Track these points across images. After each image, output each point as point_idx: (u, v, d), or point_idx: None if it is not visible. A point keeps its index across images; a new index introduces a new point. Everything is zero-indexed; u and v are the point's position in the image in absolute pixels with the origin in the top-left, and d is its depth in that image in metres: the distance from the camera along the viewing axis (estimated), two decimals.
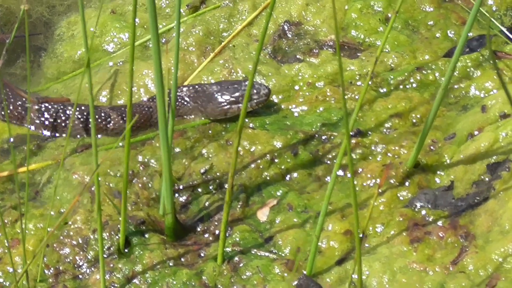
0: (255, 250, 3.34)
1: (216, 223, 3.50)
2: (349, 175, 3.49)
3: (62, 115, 3.71)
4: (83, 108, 3.72)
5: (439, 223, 3.65)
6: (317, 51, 3.75)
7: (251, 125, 3.62)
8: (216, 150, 3.70)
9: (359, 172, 3.81)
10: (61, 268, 3.47)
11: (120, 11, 3.76)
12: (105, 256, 3.45)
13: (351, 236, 3.59)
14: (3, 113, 3.75)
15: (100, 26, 3.77)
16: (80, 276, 3.46)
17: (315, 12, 3.82)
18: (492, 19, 3.87)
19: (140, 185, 3.47)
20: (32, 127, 3.66)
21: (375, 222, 3.66)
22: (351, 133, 3.61)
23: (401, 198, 3.73)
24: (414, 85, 3.77)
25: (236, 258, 3.39)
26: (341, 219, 3.66)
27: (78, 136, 3.65)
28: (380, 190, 3.61)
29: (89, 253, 3.40)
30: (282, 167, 3.75)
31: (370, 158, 3.75)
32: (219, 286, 3.52)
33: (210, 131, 3.59)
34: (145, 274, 3.45)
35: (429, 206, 3.74)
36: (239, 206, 3.40)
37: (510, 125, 3.57)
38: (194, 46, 3.72)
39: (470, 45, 3.73)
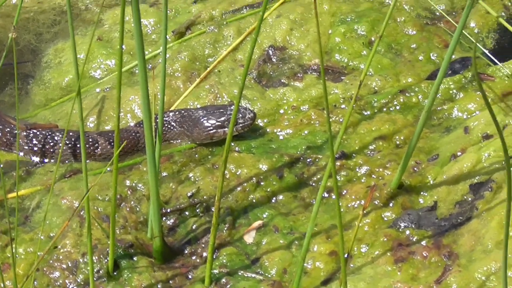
0: (242, 272, 3.36)
1: (203, 246, 3.53)
2: (334, 196, 3.56)
3: (50, 141, 3.73)
4: (71, 134, 3.68)
5: (423, 243, 3.70)
6: (301, 75, 3.78)
7: (237, 148, 3.67)
8: (202, 174, 3.74)
9: (343, 193, 3.82)
10: None
11: (107, 38, 3.78)
12: (94, 279, 3.38)
13: (336, 257, 3.61)
14: None
15: (87, 53, 3.77)
16: None
17: (299, 37, 3.86)
18: (476, 42, 3.94)
19: (128, 209, 3.50)
20: (21, 153, 3.68)
21: (360, 243, 3.71)
22: (335, 156, 3.64)
23: (385, 218, 3.77)
24: (398, 107, 3.81)
25: (223, 280, 3.41)
26: (326, 240, 3.71)
27: (67, 161, 3.66)
28: (364, 211, 3.59)
29: (78, 277, 3.42)
30: (268, 189, 3.77)
31: (355, 180, 3.77)
32: None
33: (196, 155, 3.62)
34: None
35: (413, 226, 3.80)
36: (225, 229, 3.44)
37: (493, 145, 3.64)
38: (180, 72, 3.74)
39: (453, 67, 3.80)
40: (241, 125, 3.59)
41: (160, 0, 3.90)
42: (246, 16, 3.77)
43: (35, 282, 3.61)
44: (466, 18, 3.59)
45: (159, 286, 3.49)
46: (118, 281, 3.49)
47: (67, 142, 3.71)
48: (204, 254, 3.48)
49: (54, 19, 3.75)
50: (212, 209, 3.58)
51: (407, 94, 3.75)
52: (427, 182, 3.65)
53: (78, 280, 3.50)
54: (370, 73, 3.80)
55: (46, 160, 3.64)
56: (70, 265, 3.57)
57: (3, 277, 3.58)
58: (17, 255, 3.74)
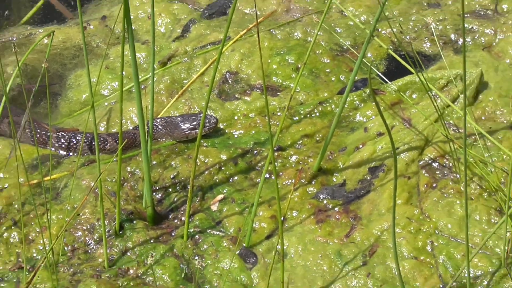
0: (209, 231, 3.59)
1: (182, 213, 3.72)
2: (273, 177, 3.51)
3: (73, 140, 3.83)
4: (87, 135, 3.80)
5: (336, 209, 3.81)
6: (249, 92, 3.93)
7: (205, 144, 3.80)
8: (181, 162, 3.89)
9: (280, 175, 3.86)
10: (76, 245, 3.61)
11: (112, 67, 3.89)
12: (106, 236, 3.58)
13: (275, 219, 3.70)
14: (32, 139, 3.79)
15: (98, 78, 3.84)
16: (89, 251, 3.58)
17: (247, 65, 3.98)
18: (372, 67, 4.01)
19: (129, 187, 3.68)
20: (53, 149, 3.80)
21: (291, 210, 3.74)
22: (274, 148, 3.76)
23: (309, 192, 3.81)
24: (317, 114, 3.91)
25: (196, 236, 3.64)
26: (268, 208, 3.79)
27: (85, 154, 3.79)
28: (295, 187, 3.77)
29: (94, 235, 3.62)
30: (227, 173, 3.90)
31: (287, 165, 3.89)
32: (185, 255, 3.67)
33: (176, 149, 3.79)
34: (134, 249, 3.61)
35: (329, 197, 3.82)
36: (197, 201, 3.64)
37: (384, 140, 3.86)
38: (164, 90, 3.87)
39: (356, 85, 3.94)
40: (207, 127, 3.76)
41: (149, 39, 4.00)
42: (210, 50, 3.91)
43: (64, 239, 3.68)
44: (365, 50, 3.66)
45: (151, 241, 3.64)
46: (123, 238, 3.65)
47: (85, 140, 3.93)
48: (183, 218, 3.67)
49: (75, 53, 3.88)
50: (188, 187, 3.74)
51: (324, 104, 3.85)
52: (338, 166, 3.84)
53: (95, 238, 3.63)
54: (298, 90, 3.92)
55: (70, 154, 3.82)
56: (88, 227, 3.65)
57: (42, 236, 3.62)
58: (51, 221, 3.67)
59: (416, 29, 4.08)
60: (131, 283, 3.56)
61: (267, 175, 3.67)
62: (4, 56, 4.19)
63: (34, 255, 3.63)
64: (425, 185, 3.64)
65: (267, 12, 3.95)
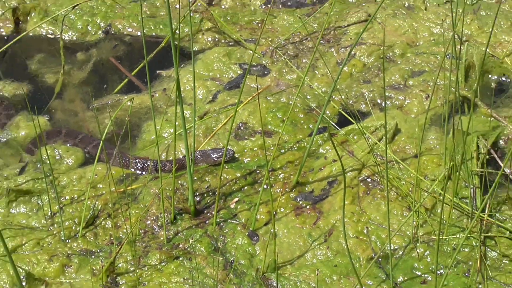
0: (229, 220, 3.79)
1: (212, 209, 3.84)
2: (268, 187, 3.84)
3: (145, 164, 3.91)
4: (154, 161, 3.89)
5: (308, 207, 3.89)
6: (254, 135, 4.12)
7: (226, 167, 3.88)
8: (211, 178, 3.96)
9: (273, 186, 3.89)
10: (146, 230, 3.78)
11: (169, 120, 4.09)
12: (165, 224, 3.76)
13: (270, 214, 3.78)
14: (120, 163, 3.95)
15: (160, 126, 4.05)
16: (154, 233, 3.78)
17: (253, 118, 4.18)
18: (329, 119, 4.14)
19: (179, 193, 3.83)
20: (132, 170, 3.96)
21: (280, 207, 3.84)
22: (269, 169, 3.87)
23: (291, 197, 3.92)
24: (296, 148, 4.08)
25: (221, 224, 3.77)
26: (265, 206, 3.84)
27: (152, 173, 3.89)
28: (282, 194, 3.91)
29: (158, 223, 3.78)
30: (240, 184, 3.95)
31: (277, 180, 3.97)
32: (214, 235, 3.78)
33: (209, 170, 3.90)
34: (182, 231, 3.77)
35: (303, 199, 3.93)
36: (222, 202, 3.81)
37: (337, 165, 3.92)
38: (201, 134, 4.07)
39: (319, 131, 4.05)
40: (228, 156, 3.87)
41: (192, 102, 4.09)
42: (229, 110, 4.07)
43: (139, 226, 3.75)
44: (325, 109, 3.78)
45: (193, 227, 3.76)
46: (175, 225, 3.75)
47: (152, 164, 3.93)
48: (213, 213, 3.80)
49: (146, 111, 4.07)
50: (216, 193, 3.83)
51: (299, 142, 4.04)
52: (309, 180, 3.94)
53: (158, 225, 3.76)
54: (284, 134, 4.11)
55: (143, 173, 3.85)
56: (154, 218, 3.79)
57: (125, 224, 3.78)
58: (131, 214, 3.78)
59: (356, 96, 4.31)
60: (181, 253, 3.69)
61: (265, 186, 3.85)
62: (102, 113, 4.31)
63: (120, 235, 3.77)
64: (363, 192, 3.88)
65: (264, 86, 4.28)
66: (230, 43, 4.47)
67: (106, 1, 4.53)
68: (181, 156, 4.06)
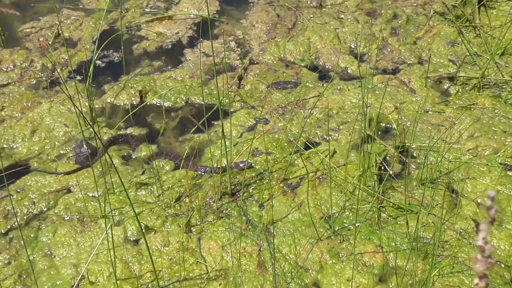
0: (249, 198, 3.72)
1: (240, 192, 3.73)
2: (269, 181, 3.54)
3: (206, 169, 3.87)
4: (210, 168, 3.79)
5: (289, 191, 3.74)
6: (261, 155, 3.83)
7: (247, 171, 3.77)
8: (240, 176, 3.81)
9: (271, 180, 3.66)
10: (206, 203, 3.69)
11: (218, 146, 3.85)
12: (217, 200, 3.64)
13: (269, 195, 3.57)
14: (193, 169, 3.83)
15: (213, 150, 3.86)
16: (210, 205, 3.65)
17: (261, 145, 3.82)
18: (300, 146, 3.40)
19: (223, 184, 3.75)
20: (199, 172, 3.87)
21: (275, 192, 3.65)
22: (270, 171, 3.69)
23: (280, 186, 3.71)
24: (283, 161, 3.86)
25: (245, 200, 3.70)
26: (267, 191, 3.65)
27: (209, 174, 3.85)
28: (276, 185, 3.63)
29: (212, 200, 3.66)
30: (254, 180, 3.78)
31: (274, 177, 3.72)
32: (241, 206, 3.66)
33: (239, 172, 3.85)
34: (225, 204, 3.68)
35: (286, 188, 3.76)
36: (245, 188, 3.72)
37: (304, 170, 3.72)
38: (235, 154, 3.80)
39: (295, 152, 3.62)
40: (248, 165, 3.75)
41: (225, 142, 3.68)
42: (249, 141, 3.78)
43: (202, 201, 3.65)
44: (298, 141, 3.43)
45: (230, 202, 3.69)
46: (221, 201, 3.69)
47: (209, 169, 3.85)
48: (240, 194, 3.71)
49: (206, 142, 3.84)
50: (242, 184, 3.75)
51: (285, 158, 3.87)
52: (290, 177, 3.81)
53: (212, 200, 3.67)
54: (277, 154, 3.72)
55: (205, 173, 3.89)
56: (210, 197, 3.71)
57: (196, 200, 3.61)
58: (198, 195, 3.62)
59: (314, 134, 4.02)
60: (223, 215, 3.60)
61: (267, 181, 3.80)
62: (184, 143, 4.11)
63: (193, 206, 3.67)
64: (318, 183, 3.75)
65: (266, 129, 3.98)
66: (249, 107, 4.30)
67: (186, 85, 4.47)
68: (223, 165, 3.84)
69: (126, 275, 3.15)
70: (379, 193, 3.50)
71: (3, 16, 3.75)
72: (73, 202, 3.56)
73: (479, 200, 3.50)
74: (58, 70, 3.94)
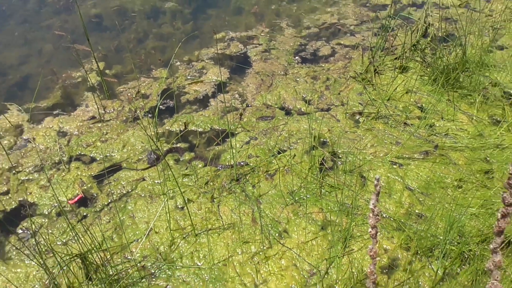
0: (246, 183, 3.22)
1: (243, 179, 3.18)
2: (271, 176, 3.54)
3: (222, 166, 3.27)
4: (224, 165, 3.01)
5: (269, 177, 3.32)
6: (252, 157, 3.30)
7: (244, 167, 3.13)
8: (241, 169, 3.21)
9: (258, 172, 3.09)
10: (222, 185, 3.23)
11: (229, 153, 3.25)
12: (228, 183, 3.23)
13: (258, 180, 3.21)
14: (215, 166, 3.15)
15: (225, 157, 3.27)
16: (225, 186, 3.27)
17: (255, 152, 3.34)
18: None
19: (232, 174, 3.17)
20: (217, 167, 3.25)
21: (259, 178, 3.22)
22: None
23: (265, 175, 3.25)
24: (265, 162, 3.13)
25: (243, 184, 3.18)
26: (257, 179, 3.26)
27: (224, 169, 3.20)
28: (263, 174, 3.16)
29: (226, 183, 3.27)
30: (248, 170, 3.17)
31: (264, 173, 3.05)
32: (242, 187, 3.21)
33: (241, 168, 3.21)
34: (233, 186, 3.18)
35: (269, 177, 3.50)
36: (244, 176, 3.18)
37: (276, 166, 3.21)
38: (239, 158, 3.24)
39: (273, 156, 2.98)
40: (244, 164, 3.17)
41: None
42: (247, 149, 3.25)
43: (220, 184, 3.25)
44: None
45: (236, 184, 3.15)
46: (230, 184, 2.99)
47: (225, 166, 3.13)
48: (243, 180, 3.21)
49: (221, 152, 3.31)
50: (243, 174, 3.22)
51: (267, 160, 3.14)
52: (269, 170, 3.21)
53: (226, 183, 3.22)
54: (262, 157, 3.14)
55: (221, 169, 3.18)
56: (225, 181, 3.30)
57: (214, 184, 3.19)
58: (217, 181, 3.19)
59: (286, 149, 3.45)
60: (232, 192, 3.22)
61: (256, 172, 3.43)
62: (208, 152, 3.58)
63: (213, 188, 3.28)
64: (285, 173, 3.39)
65: (256, 143, 3.53)
66: (246, 131, 3.67)
67: (210, 119, 4.16)
68: (232, 163, 3.32)
69: (176, 227, 3.19)
70: (320, 178, 3.24)
71: (108, 82, 4.10)
72: (146, 186, 3.46)
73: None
74: (138, 112, 4.03)
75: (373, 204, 1.42)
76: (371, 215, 1.43)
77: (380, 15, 3.83)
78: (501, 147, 2.71)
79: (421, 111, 3.25)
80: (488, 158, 2.68)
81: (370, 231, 1.44)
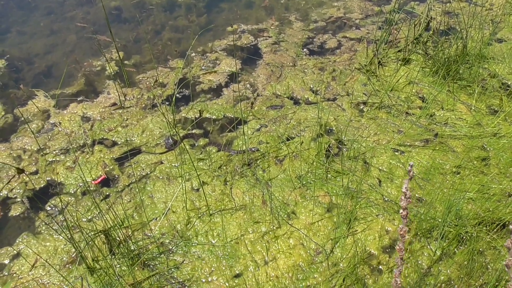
0: (256, 167, 3.21)
1: (253, 163, 3.11)
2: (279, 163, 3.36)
3: (235, 151, 3.06)
4: (237, 150, 2.91)
5: (279, 163, 3.20)
6: (263, 144, 3.19)
7: (255, 152, 3.01)
8: (252, 154, 3.01)
9: (269, 158, 2.95)
10: (235, 169, 3.13)
11: (241, 139, 3.13)
12: (240, 167, 3.09)
13: (269, 165, 3.05)
14: (227, 151, 2.93)
15: (238, 142, 3.09)
16: (238, 170, 3.12)
17: (265, 139, 3.22)
18: None
19: (244, 159, 3.01)
20: (230, 153, 3.10)
21: (270, 163, 3.08)
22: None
23: (274, 161, 3.15)
24: (276, 149, 3.08)
25: (254, 168, 3.08)
26: (267, 164, 3.08)
27: (236, 154, 3.01)
28: (272, 159, 3.04)
29: (238, 167, 3.12)
30: (259, 156, 3.01)
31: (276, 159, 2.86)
32: (253, 171, 3.02)
33: (253, 153, 3.01)
34: (244, 170, 3.09)
35: (279, 162, 3.41)
36: (255, 161, 3.08)
37: (286, 151, 3.05)
38: (250, 143, 3.13)
39: (284, 142, 3.17)
40: (255, 149, 3.09)
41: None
42: (258, 135, 3.12)
43: (232, 168, 3.06)
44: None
45: (247, 168, 3.06)
46: (242, 168, 3.04)
47: (238, 152, 3.01)
48: (253, 164, 3.07)
49: (234, 137, 3.18)
50: (254, 159, 3.09)
51: (278, 146, 3.09)
52: (279, 155, 3.13)
53: (239, 167, 3.03)
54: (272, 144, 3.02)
55: (234, 154, 3.02)
56: (238, 165, 3.07)
57: (227, 168, 3.05)
58: (230, 165, 3.02)
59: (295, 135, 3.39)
60: (245, 175, 3.12)
61: (266, 157, 3.38)
62: (220, 139, 3.43)
63: (226, 172, 3.14)
64: (294, 159, 3.32)
65: (266, 130, 3.41)
66: (257, 119, 3.50)
67: (224, 107, 4.04)
68: (244, 149, 3.19)
69: (192, 207, 3.15)
70: (327, 163, 3.29)
71: (129, 72, 3.89)
72: (164, 169, 3.44)
73: (380, 168, 3.17)
74: (156, 99, 3.90)
75: (405, 187, 1.42)
76: (402, 197, 1.45)
77: (384, 9, 3.71)
78: (498, 136, 2.63)
79: (422, 101, 3.13)
80: (485, 146, 2.59)
81: (401, 212, 1.49)
